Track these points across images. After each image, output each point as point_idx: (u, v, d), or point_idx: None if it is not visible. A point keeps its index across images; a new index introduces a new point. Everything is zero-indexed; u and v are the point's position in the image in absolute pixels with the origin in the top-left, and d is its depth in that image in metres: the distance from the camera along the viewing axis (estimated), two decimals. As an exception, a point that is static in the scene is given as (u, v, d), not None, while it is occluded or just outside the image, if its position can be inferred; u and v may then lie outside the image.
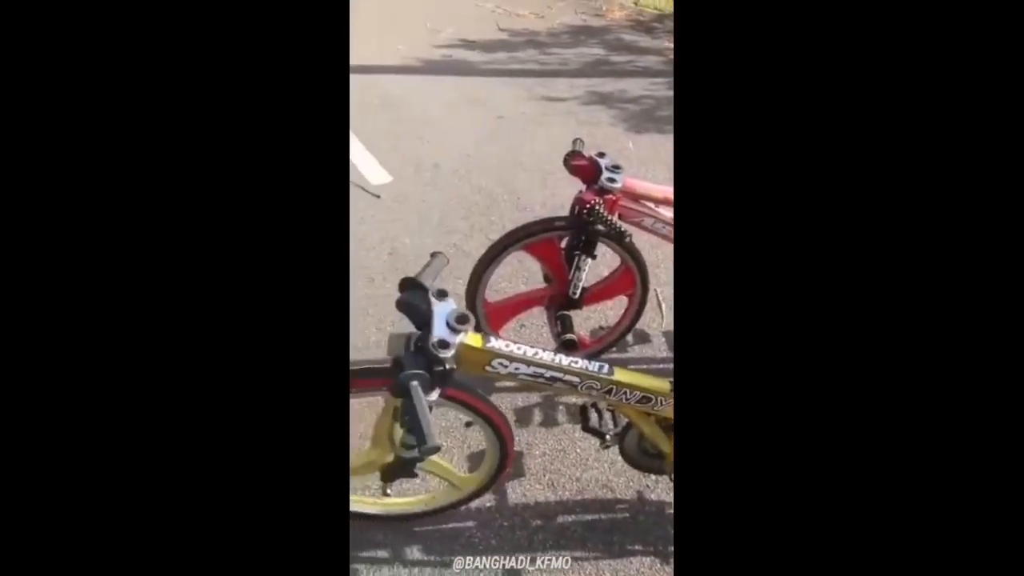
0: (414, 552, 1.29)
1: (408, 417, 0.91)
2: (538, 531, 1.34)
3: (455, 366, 0.97)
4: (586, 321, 1.93)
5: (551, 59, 4.10)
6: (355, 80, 3.55)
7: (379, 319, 1.92)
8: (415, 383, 0.91)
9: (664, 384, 1.10)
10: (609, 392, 1.10)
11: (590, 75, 3.81)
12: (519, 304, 1.70)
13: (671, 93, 3.33)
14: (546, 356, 1.07)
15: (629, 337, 1.82)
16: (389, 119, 3.16)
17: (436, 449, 0.87)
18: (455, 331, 0.97)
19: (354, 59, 4.05)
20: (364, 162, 2.76)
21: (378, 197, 2.51)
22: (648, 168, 2.79)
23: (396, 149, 2.89)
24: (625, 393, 1.10)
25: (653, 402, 1.11)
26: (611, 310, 1.92)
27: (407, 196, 2.54)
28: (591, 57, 4.13)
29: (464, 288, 1.61)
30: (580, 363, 1.08)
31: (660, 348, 1.87)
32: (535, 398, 1.66)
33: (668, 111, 3.32)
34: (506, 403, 1.62)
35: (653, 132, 3.14)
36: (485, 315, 1.64)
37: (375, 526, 1.32)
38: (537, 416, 1.62)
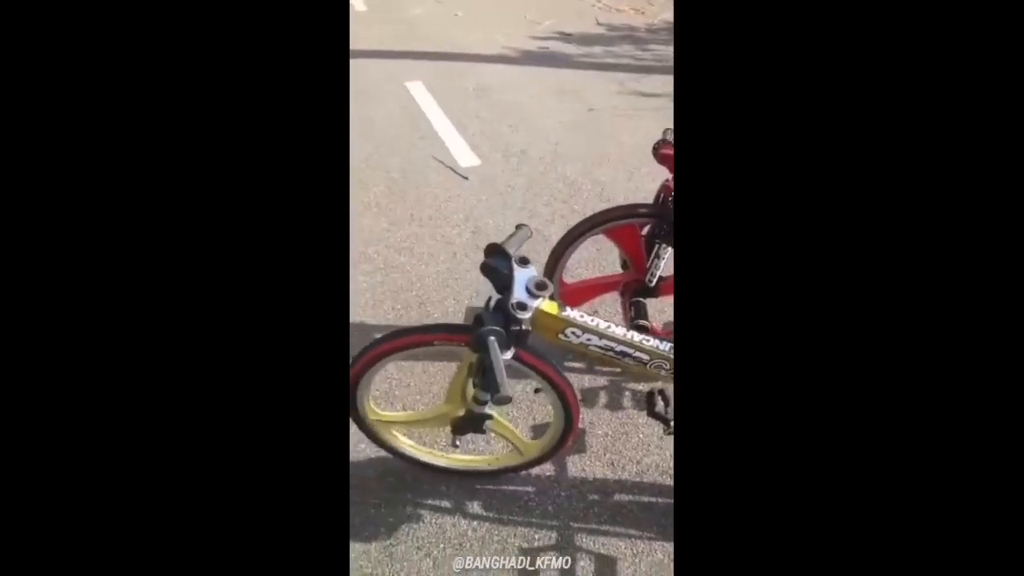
0: (474, 506, 1.37)
1: (484, 369, 0.98)
2: (594, 505, 1.38)
3: (530, 328, 1.03)
4: (660, 314, 1.94)
5: (647, 55, 4.07)
6: (452, 67, 3.71)
7: (458, 292, 2.01)
8: (492, 338, 0.98)
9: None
10: (678, 373, 1.12)
11: (686, 72, 3.74)
12: (595, 287, 1.73)
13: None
14: (618, 331, 1.11)
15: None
16: (482, 105, 3.27)
17: (508, 399, 0.93)
18: (533, 296, 1.03)
19: (454, 48, 4.21)
20: (455, 145, 2.88)
21: (466, 179, 2.62)
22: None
23: (486, 134, 2.98)
24: (694, 376, 1.12)
25: (721, 388, 1.12)
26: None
27: (494, 179, 2.63)
28: (689, 54, 4.05)
29: (542, 269, 1.66)
30: (651, 341, 1.11)
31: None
32: (602, 381, 1.70)
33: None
34: (573, 383, 1.66)
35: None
36: (560, 296, 1.69)
37: (441, 478, 1.41)
38: (603, 398, 1.65)
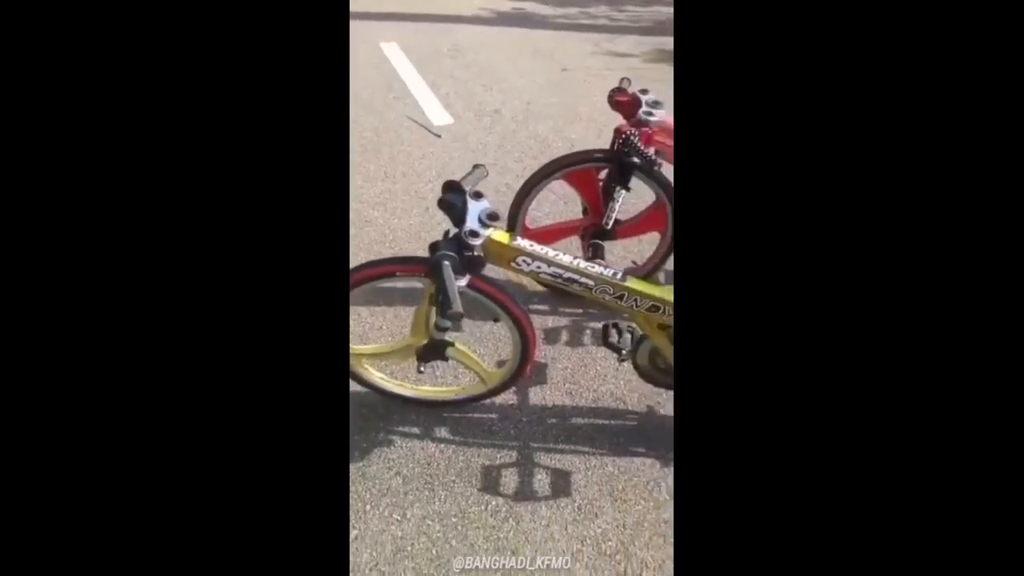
0: (442, 432, 1.48)
1: (439, 292, 1.08)
2: (553, 428, 1.50)
3: (483, 255, 1.12)
4: (622, 260, 2.03)
5: (622, 16, 4.09)
6: (427, 28, 3.72)
7: (428, 242, 2.09)
8: (446, 263, 1.07)
9: (671, 294, 1.21)
10: (620, 298, 1.22)
11: (659, 33, 3.78)
12: (557, 231, 1.82)
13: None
14: (566, 259, 1.20)
15: (660, 275, 1.91)
16: (456, 65, 3.30)
17: (460, 315, 1.02)
18: (485, 225, 1.12)
19: (430, 9, 4.19)
20: (428, 104, 2.92)
21: (439, 137, 2.67)
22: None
23: (460, 94, 3.03)
24: (636, 300, 1.22)
25: (661, 310, 1.22)
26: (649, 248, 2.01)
27: (466, 137, 2.68)
28: (664, 15, 4.08)
29: (507, 218, 1.74)
30: (596, 268, 1.21)
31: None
32: (564, 321, 1.80)
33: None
34: (536, 324, 1.76)
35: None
36: (524, 241, 1.77)
37: (411, 408, 1.51)
38: (564, 336, 1.75)
